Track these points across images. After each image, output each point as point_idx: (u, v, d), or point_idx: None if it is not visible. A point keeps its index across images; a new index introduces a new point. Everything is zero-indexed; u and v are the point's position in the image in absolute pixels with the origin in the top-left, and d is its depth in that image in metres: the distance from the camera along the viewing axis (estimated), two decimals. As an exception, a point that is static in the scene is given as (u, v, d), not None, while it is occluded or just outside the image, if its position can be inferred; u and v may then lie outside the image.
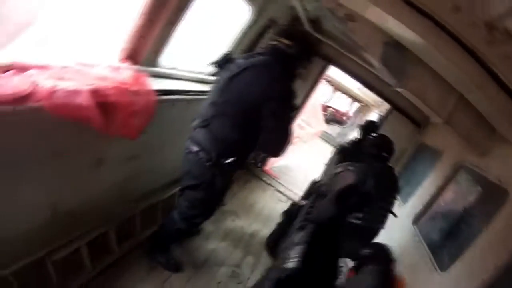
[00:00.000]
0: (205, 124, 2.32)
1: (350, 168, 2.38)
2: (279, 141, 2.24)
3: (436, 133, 4.55)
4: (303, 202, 2.55)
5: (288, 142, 2.26)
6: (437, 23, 1.94)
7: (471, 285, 2.21)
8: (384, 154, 3.05)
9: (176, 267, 2.99)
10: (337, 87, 19.20)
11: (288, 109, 2.24)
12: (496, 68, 1.96)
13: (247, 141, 2.31)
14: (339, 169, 2.39)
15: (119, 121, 1.98)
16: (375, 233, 2.85)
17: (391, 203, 2.92)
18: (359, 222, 2.39)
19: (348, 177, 2.19)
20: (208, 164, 2.31)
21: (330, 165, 2.87)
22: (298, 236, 2.11)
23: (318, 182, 2.66)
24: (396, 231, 3.84)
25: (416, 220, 3.58)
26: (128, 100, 2.00)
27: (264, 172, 6.23)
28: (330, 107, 21.29)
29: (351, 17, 2.75)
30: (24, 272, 2.00)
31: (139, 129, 2.17)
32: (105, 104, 1.84)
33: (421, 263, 2.92)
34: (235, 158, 2.32)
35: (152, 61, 2.57)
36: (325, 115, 16.54)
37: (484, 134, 2.93)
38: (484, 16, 1.70)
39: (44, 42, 1.82)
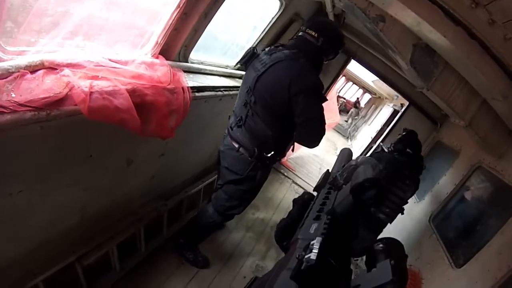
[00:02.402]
0: (241, 124, 2.39)
1: (369, 161, 2.43)
2: (314, 133, 2.29)
3: (454, 132, 4.59)
4: (315, 193, 2.59)
5: (323, 133, 2.31)
6: (469, 32, 2.02)
7: (485, 282, 2.33)
8: (409, 150, 3.05)
9: (203, 263, 3.10)
10: (350, 78, 19.09)
11: (317, 100, 2.21)
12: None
13: (281, 136, 2.39)
14: (357, 161, 2.44)
15: (155, 121, 1.92)
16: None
17: (401, 198, 2.82)
18: (384, 217, 2.43)
19: (367, 170, 2.24)
20: (250, 158, 2.40)
21: (343, 156, 2.86)
22: (313, 227, 2.10)
23: (331, 173, 2.69)
24: (412, 227, 3.95)
25: (433, 218, 3.66)
26: (165, 99, 1.95)
27: (281, 163, 6.28)
28: (342, 97, 21.21)
29: (381, 17, 2.80)
30: (54, 279, 2.00)
31: (174, 129, 2.13)
32: (142, 104, 1.77)
33: (437, 259, 3.02)
34: (273, 152, 2.42)
35: (184, 56, 2.56)
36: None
37: (502, 137, 3.00)
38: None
39: (74, 37, 1.68)
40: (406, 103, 5.92)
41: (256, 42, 3.81)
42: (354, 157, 2.73)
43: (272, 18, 3.73)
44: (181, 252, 3.02)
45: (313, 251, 2.04)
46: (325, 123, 2.29)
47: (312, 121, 2.20)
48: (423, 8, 2.09)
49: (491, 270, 2.37)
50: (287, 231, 2.41)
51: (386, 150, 3.13)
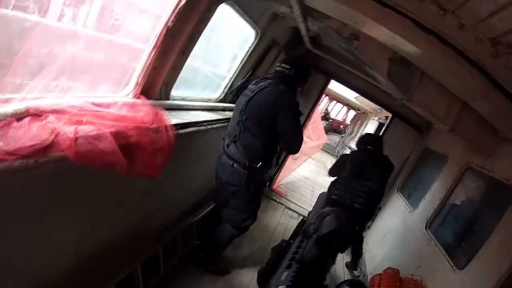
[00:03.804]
0: (235, 140, 2.85)
1: (335, 211, 2.63)
2: (294, 140, 2.80)
3: (440, 137, 4.68)
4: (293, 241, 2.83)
5: (301, 140, 2.84)
6: (441, 39, 2.10)
7: (490, 279, 2.32)
8: (369, 147, 3.96)
9: (225, 271, 3.55)
10: (333, 97, 19.36)
11: (295, 115, 2.76)
12: (499, 78, 2.12)
13: (268, 147, 2.88)
14: (325, 211, 2.63)
15: (141, 161, 1.94)
16: (353, 210, 3.68)
17: (367, 186, 3.76)
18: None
19: (332, 221, 2.44)
20: (243, 170, 2.84)
21: (320, 202, 3.17)
22: (284, 275, 2.30)
23: (308, 219, 3.00)
24: (410, 237, 3.95)
25: (429, 225, 3.68)
26: (149, 139, 1.99)
27: (272, 190, 6.30)
28: (328, 117, 21.42)
29: (355, 36, 2.90)
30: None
31: (160, 167, 2.15)
32: (127, 146, 1.80)
33: (439, 265, 3.01)
34: (262, 162, 2.87)
35: (165, 94, 2.64)
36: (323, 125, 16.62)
37: (487, 136, 3.07)
38: (489, 33, 1.86)
39: (57, 82, 1.70)
40: (390, 115, 6.03)
41: (237, 71, 3.90)
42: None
43: (249, 48, 3.83)
44: (204, 265, 3.38)
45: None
46: (302, 133, 2.92)
47: (292, 130, 2.75)
48: (395, 23, 2.17)
49: (494, 266, 2.37)
50: (265, 278, 2.60)
51: (351, 150, 3.80)
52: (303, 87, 3.11)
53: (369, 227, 5.40)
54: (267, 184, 6.03)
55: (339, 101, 20.88)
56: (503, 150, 2.95)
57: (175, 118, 2.52)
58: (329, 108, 22.13)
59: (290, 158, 7.65)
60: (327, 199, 3.21)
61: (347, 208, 3.68)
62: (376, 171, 3.86)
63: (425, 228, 3.67)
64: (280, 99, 2.70)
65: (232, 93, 3.25)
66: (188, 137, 2.74)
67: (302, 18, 3.16)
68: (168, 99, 2.69)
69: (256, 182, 2.96)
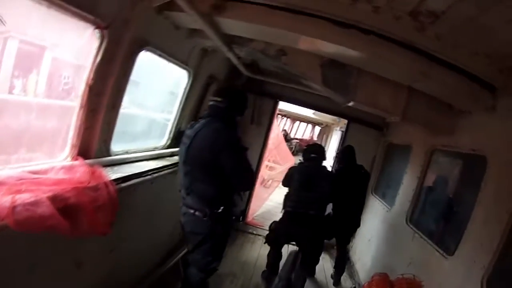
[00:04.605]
0: (188, 192, 2.70)
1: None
2: (244, 178, 2.70)
3: (399, 129, 4.66)
4: None
5: (250, 175, 2.78)
6: (361, 29, 2.02)
7: (483, 258, 2.16)
8: (312, 155, 4.08)
9: None
10: (294, 118, 19.59)
11: (237, 152, 2.61)
12: (432, 51, 2.05)
13: (224, 191, 2.69)
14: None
15: (86, 221, 1.94)
16: (307, 217, 3.77)
17: (319, 192, 3.84)
18: None
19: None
20: (205, 218, 2.66)
21: (289, 259, 3.34)
22: None
23: (279, 275, 3.13)
24: (394, 237, 3.83)
25: (409, 219, 3.56)
26: (88, 198, 1.97)
27: (247, 224, 6.10)
28: (294, 138, 21.54)
29: (282, 51, 2.83)
30: None
31: (108, 223, 2.15)
32: (66, 208, 1.79)
33: (428, 256, 2.86)
34: (223, 206, 2.69)
35: (106, 150, 2.57)
36: (291, 148, 16.66)
37: (443, 114, 3.00)
38: (405, 7, 1.78)
39: None
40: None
41: (178, 115, 3.76)
42: None
43: (185, 88, 3.73)
44: None
45: None
46: (249, 168, 2.73)
47: (237, 169, 2.59)
48: (310, 27, 2.11)
49: (484, 243, 2.21)
50: None
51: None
52: (242, 115, 2.89)
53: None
54: (240, 219, 5.92)
55: (302, 121, 21.14)
56: (462, 122, 2.88)
57: (116, 173, 2.48)
58: (289, 129, 22.20)
59: (261, 187, 7.40)
60: (295, 258, 3.36)
61: (303, 216, 3.80)
62: (323, 176, 4.00)
63: (406, 223, 3.55)
64: (217, 139, 2.53)
65: (172, 142, 3.04)
66: (132, 189, 2.65)
67: (227, 48, 3.09)
68: (109, 155, 2.64)
69: (223, 225, 2.81)
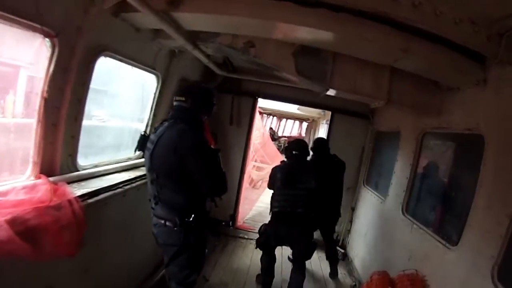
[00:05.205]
0: (157, 201, 2.51)
1: None
2: (214, 183, 2.48)
3: (386, 115, 4.49)
4: None
5: (221, 179, 2.52)
6: (331, 7, 1.83)
7: (492, 246, 1.96)
8: (295, 152, 3.91)
9: None
10: (280, 116, 19.48)
11: (204, 155, 2.40)
12: (411, 21, 1.85)
13: (194, 196, 2.51)
14: None
15: (49, 243, 1.87)
16: (295, 215, 3.67)
17: (304, 189, 3.73)
18: None
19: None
20: (175, 229, 2.48)
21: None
22: None
23: None
24: (391, 229, 3.63)
25: (405, 209, 3.36)
26: (51, 218, 1.90)
27: (238, 229, 5.93)
28: (282, 136, 21.44)
29: (250, 43, 2.63)
30: None
31: (76, 243, 2.06)
32: (27, 230, 1.74)
33: (430, 248, 2.66)
34: (194, 214, 2.51)
35: (71, 166, 2.47)
36: (279, 146, 16.55)
37: (430, 93, 2.83)
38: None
39: None
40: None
41: (149, 122, 3.61)
42: None
43: (154, 93, 3.55)
44: None
45: None
46: (220, 171, 2.52)
47: (206, 174, 2.39)
48: (274, 11, 1.92)
49: (491, 230, 2.01)
50: None
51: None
52: (209, 115, 2.67)
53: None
54: (230, 224, 5.75)
55: (288, 118, 21.03)
56: (452, 100, 2.69)
57: (83, 189, 2.41)
58: (275, 127, 22.11)
59: (250, 188, 7.20)
60: None
61: (290, 215, 3.71)
62: (307, 172, 3.88)
63: (403, 214, 3.35)
64: (181, 143, 2.33)
65: (137, 149, 2.77)
66: (102, 204, 2.56)
67: (192, 46, 2.88)
68: (76, 170, 2.55)
69: (197, 235, 2.63)
